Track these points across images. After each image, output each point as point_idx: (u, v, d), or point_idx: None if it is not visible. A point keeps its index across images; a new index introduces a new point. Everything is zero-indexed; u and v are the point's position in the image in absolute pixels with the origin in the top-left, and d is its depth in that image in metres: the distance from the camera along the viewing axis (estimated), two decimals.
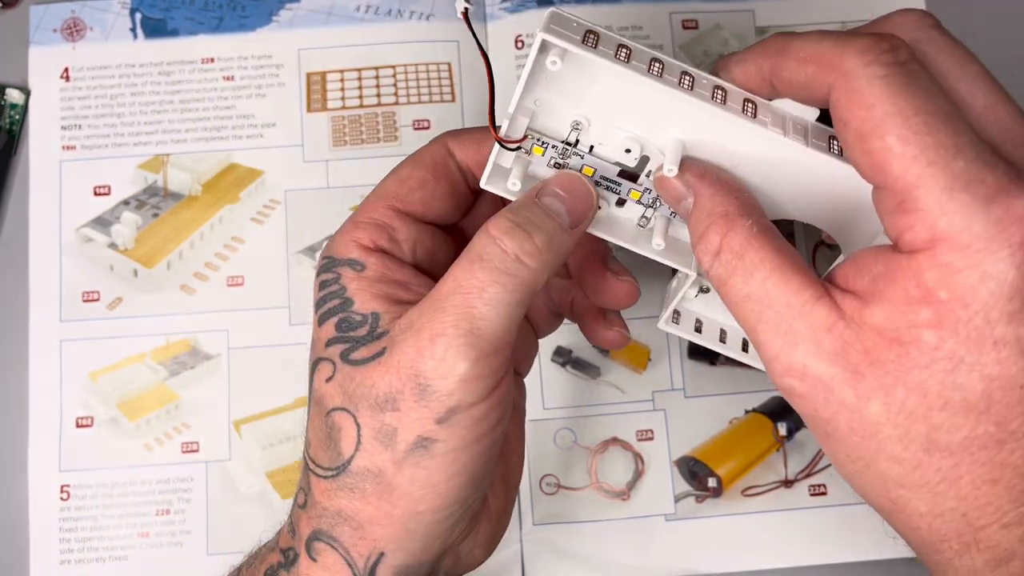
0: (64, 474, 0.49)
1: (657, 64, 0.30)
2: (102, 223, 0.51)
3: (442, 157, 0.35)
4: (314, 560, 0.32)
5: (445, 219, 0.35)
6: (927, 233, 0.26)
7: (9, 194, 0.52)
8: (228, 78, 0.53)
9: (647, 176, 0.33)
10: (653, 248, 0.34)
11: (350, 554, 0.32)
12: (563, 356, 0.50)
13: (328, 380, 0.32)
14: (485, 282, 0.30)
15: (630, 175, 0.33)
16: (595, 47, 0.30)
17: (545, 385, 0.50)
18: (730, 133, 0.31)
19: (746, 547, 0.48)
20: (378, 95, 0.53)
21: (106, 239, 0.51)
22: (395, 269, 0.33)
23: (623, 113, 0.32)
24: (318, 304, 0.33)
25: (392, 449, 0.31)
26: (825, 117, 0.30)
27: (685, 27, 0.54)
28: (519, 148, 0.32)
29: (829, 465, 0.49)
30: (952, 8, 0.53)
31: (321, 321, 0.33)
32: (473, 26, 0.32)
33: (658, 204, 0.34)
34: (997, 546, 0.27)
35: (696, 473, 0.49)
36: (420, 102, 0.53)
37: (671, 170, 0.31)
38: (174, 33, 0.53)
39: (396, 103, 0.53)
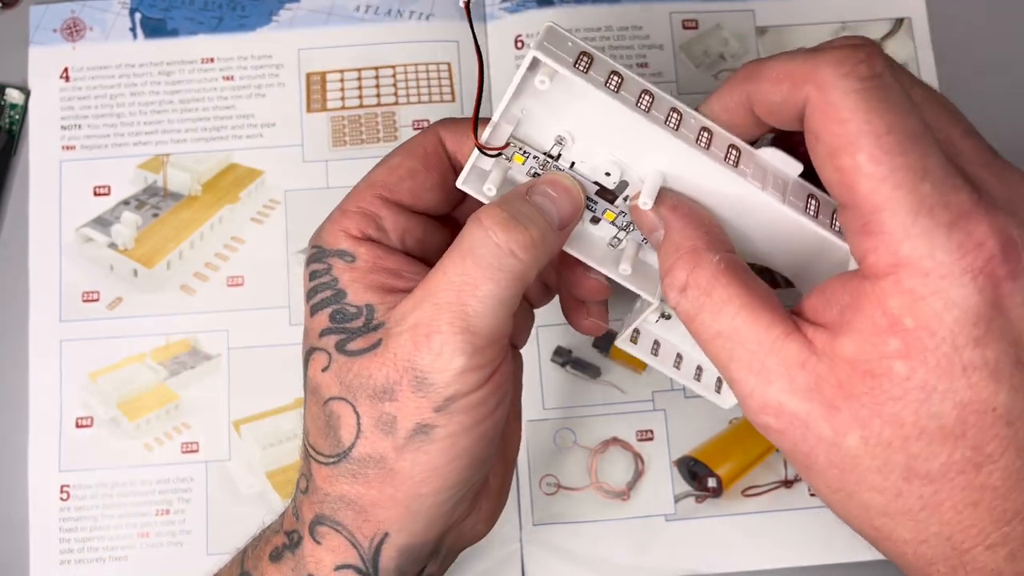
0: (64, 474, 0.49)
1: (647, 97, 0.30)
2: (102, 223, 0.51)
3: (434, 147, 0.35)
4: (318, 543, 0.32)
5: (435, 210, 0.35)
6: (890, 257, 0.26)
7: (9, 194, 0.52)
8: (228, 78, 0.53)
9: (624, 200, 0.33)
10: (619, 273, 0.34)
11: (354, 536, 0.32)
12: (563, 356, 0.50)
13: (324, 370, 0.32)
14: (479, 279, 0.30)
15: (608, 195, 0.33)
16: (587, 71, 0.29)
17: (545, 385, 0.50)
18: (710, 175, 0.31)
19: (746, 547, 0.48)
20: (378, 95, 0.53)
21: (106, 239, 0.51)
22: (386, 257, 0.33)
23: (608, 137, 0.32)
24: (309, 294, 0.33)
25: (393, 436, 0.31)
26: (808, 174, 0.30)
27: (685, 27, 0.54)
28: (499, 155, 0.32)
29: None
30: (952, 8, 0.53)
31: (314, 311, 0.33)
32: (473, 25, 0.32)
33: (631, 228, 0.34)
34: (984, 567, 0.27)
35: (696, 473, 0.49)
36: (420, 102, 0.52)
37: (646, 203, 0.31)
38: (174, 33, 0.53)
39: (396, 103, 0.53)
